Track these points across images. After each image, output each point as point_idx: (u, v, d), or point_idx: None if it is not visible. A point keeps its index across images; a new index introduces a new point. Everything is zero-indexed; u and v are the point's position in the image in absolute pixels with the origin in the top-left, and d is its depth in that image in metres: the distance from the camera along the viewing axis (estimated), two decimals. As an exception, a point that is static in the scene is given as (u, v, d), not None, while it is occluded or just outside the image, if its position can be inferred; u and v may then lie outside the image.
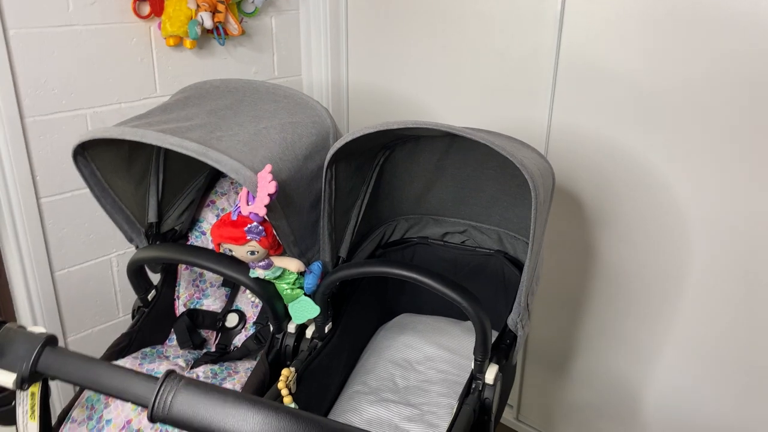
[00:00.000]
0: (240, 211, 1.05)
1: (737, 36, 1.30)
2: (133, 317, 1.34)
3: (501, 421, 2.03)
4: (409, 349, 1.45)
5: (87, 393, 1.17)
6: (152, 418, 0.60)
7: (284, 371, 1.09)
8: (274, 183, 1.01)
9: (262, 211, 1.01)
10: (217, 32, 1.74)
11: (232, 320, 1.40)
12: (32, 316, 1.63)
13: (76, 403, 1.15)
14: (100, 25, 1.60)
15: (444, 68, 1.85)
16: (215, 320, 1.41)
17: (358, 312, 1.42)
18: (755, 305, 1.42)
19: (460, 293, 1.09)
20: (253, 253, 1.08)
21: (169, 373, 0.61)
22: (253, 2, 1.85)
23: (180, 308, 1.40)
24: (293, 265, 1.15)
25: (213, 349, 1.37)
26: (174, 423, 0.59)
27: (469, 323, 1.55)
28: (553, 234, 1.75)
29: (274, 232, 1.10)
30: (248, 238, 1.05)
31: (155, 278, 1.40)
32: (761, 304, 1.41)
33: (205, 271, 1.44)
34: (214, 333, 1.41)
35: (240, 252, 1.08)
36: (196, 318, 1.40)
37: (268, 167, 1.02)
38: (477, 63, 1.76)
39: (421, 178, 1.43)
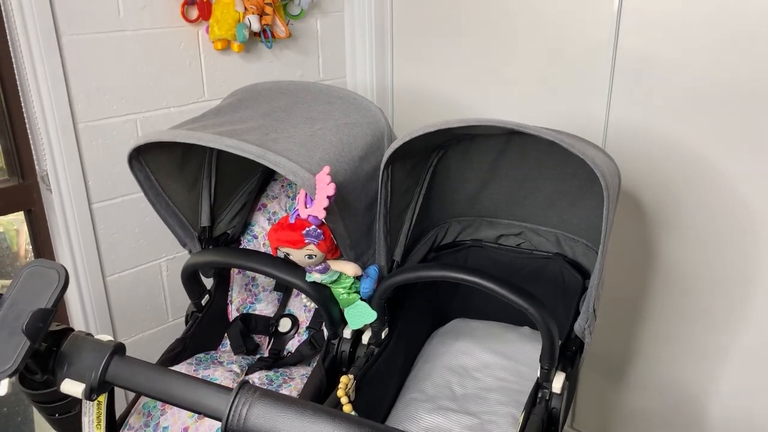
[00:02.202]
0: (298, 214, 1.03)
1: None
2: (186, 322, 1.33)
3: (555, 429, 1.97)
4: (465, 355, 1.41)
5: (143, 400, 1.15)
6: (227, 431, 0.57)
7: (343, 379, 1.06)
8: (333, 185, 0.98)
9: (321, 214, 0.98)
10: (265, 35, 1.73)
11: (285, 325, 1.37)
12: (84, 321, 1.64)
13: (132, 410, 1.14)
14: (150, 30, 1.60)
15: (492, 67, 1.81)
16: (268, 325, 1.39)
17: (412, 317, 1.38)
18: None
19: (526, 298, 1.04)
20: (311, 257, 1.06)
21: (243, 384, 0.58)
22: (299, 4, 1.83)
23: (233, 313, 1.39)
24: (350, 269, 1.12)
25: (266, 355, 1.35)
26: (251, 436, 0.57)
27: (525, 329, 1.50)
28: (612, 234, 1.68)
29: (332, 236, 1.08)
30: (306, 241, 1.03)
31: (208, 283, 1.39)
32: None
33: (257, 276, 1.42)
34: (267, 338, 1.39)
35: (298, 256, 1.06)
36: (249, 323, 1.38)
37: (326, 169, 0.99)
38: (528, 61, 1.71)
39: (475, 178, 1.39)
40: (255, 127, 1.12)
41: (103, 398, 0.71)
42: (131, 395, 1.16)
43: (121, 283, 1.70)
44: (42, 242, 1.62)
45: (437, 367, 1.38)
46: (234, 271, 1.40)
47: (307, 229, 1.02)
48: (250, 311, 1.40)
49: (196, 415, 1.14)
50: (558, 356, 1.13)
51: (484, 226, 1.48)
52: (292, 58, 1.92)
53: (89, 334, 0.67)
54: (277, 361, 1.31)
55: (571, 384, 1.20)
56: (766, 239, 1.40)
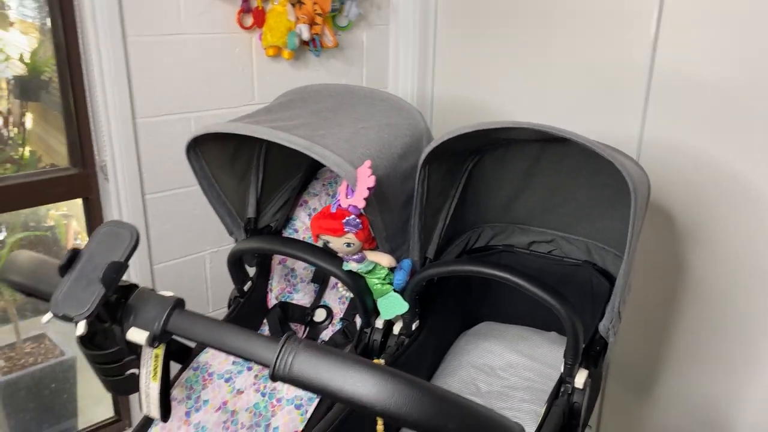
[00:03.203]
0: (339, 204, 1.10)
1: None
2: (228, 307, 1.41)
3: (579, 440, 1.98)
4: (491, 354, 1.46)
5: (186, 374, 1.23)
6: (273, 377, 0.63)
7: (375, 361, 1.12)
8: (373, 177, 1.05)
9: (361, 204, 1.05)
10: (314, 44, 1.82)
11: (320, 315, 1.44)
12: (132, 306, 1.73)
13: (176, 383, 1.21)
14: (207, 35, 1.70)
15: (531, 81, 1.87)
16: (304, 314, 1.46)
17: (443, 315, 1.43)
18: None
19: (553, 295, 1.09)
20: (349, 245, 1.13)
21: (290, 336, 0.65)
22: (347, 16, 1.92)
23: (272, 301, 1.46)
24: (385, 260, 1.18)
25: (301, 343, 1.42)
26: (294, 382, 0.63)
27: (554, 334, 1.53)
28: (642, 249, 1.71)
29: (369, 227, 1.14)
30: (346, 230, 1.10)
31: (250, 272, 1.47)
32: None
33: (296, 267, 1.50)
34: (303, 327, 1.46)
35: (337, 244, 1.13)
36: (286, 311, 1.45)
37: (368, 162, 1.06)
38: (567, 77, 1.77)
39: (510, 185, 1.44)
40: (304, 123, 1.20)
41: (160, 351, 0.79)
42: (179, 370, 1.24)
43: (168, 272, 1.79)
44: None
45: (463, 364, 1.43)
46: (275, 261, 1.48)
47: (347, 218, 1.09)
48: (288, 300, 1.47)
49: (235, 389, 1.21)
50: (582, 355, 1.17)
51: (516, 233, 1.53)
52: (338, 67, 2.01)
53: (153, 290, 0.74)
54: (311, 348, 1.37)
55: (594, 383, 1.23)
56: (796, 257, 1.42)
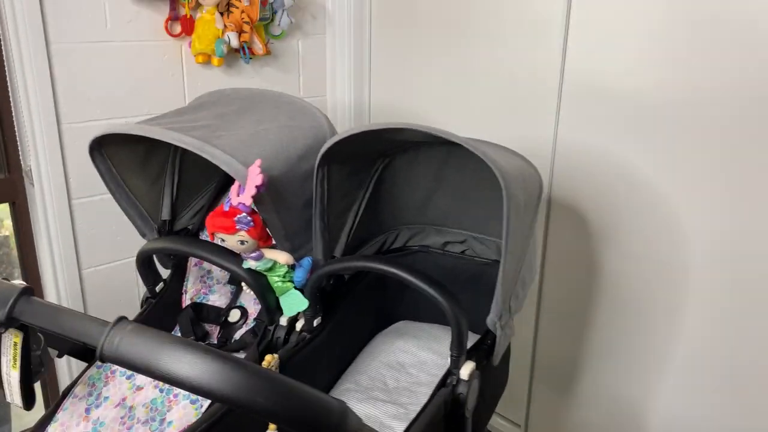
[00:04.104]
0: (231, 202, 1.13)
1: (740, 51, 1.31)
2: (141, 307, 1.43)
3: (509, 440, 2.01)
4: (403, 353, 1.48)
5: (90, 372, 1.25)
6: (101, 357, 0.66)
7: (267, 357, 1.15)
8: (261, 176, 1.08)
9: (248, 201, 1.08)
10: (243, 51, 1.86)
11: (234, 315, 1.47)
12: (59, 309, 1.75)
13: (78, 381, 1.23)
14: (135, 42, 1.74)
15: (459, 89, 1.92)
16: (219, 315, 1.48)
17: (354, 314, 1.46)
18: (759, 320, 1.39)
19: (437, 288, 1.12)
20: (243, 242, 1.16)
21: (120, 319, 0.68)
22: (279, 25, 1.96)
23: (187, 302, 1.48)
24: (282, 257, 1.21)
25: (215, 342, 1.44)
26: (120, 361, 0.66)
27: (468, 333, 1.56)
28: (559, 250, 1.76)
29: (264, 224, 1.17)
30: (238, 227, 1.13)
31: (165, 273, 1.49)
32: (765, 319, 1.39)
33: (213, 269, 1.52)
34: (218, 327, 1.48)
35: (231, 241, 1.16)
36: (201, 312, 1.47)
37: (258, 161, 1.10)
38: (488, 83, 1.82)
39: (422, 187, 1.48)
40: (205, 125, 1.24)
41: (18, 339, 0.81)
42: (79, 370, 1.26)
43: (97, 276, 1.81)
44: (24, 233, 1.74)
45: (375, 362, 1.46)
46: (191, 263, 1.51)
47: (238, 216, 1.12)
48: (204, 301, 1.50)
49: (135, 386, 1.23)
50: (473, 349, 1.21)
51: (432, 234, 1.56)
52: (272, 75, 2.05)
53: (5, 279, 0.77)
54: (222, 347, 1.40)
55: (490, 378, 1.27)
56: (697, 255, 1.46)
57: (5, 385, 0.83)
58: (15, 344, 0.80)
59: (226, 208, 1.14)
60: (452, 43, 1.89)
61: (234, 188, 1.13)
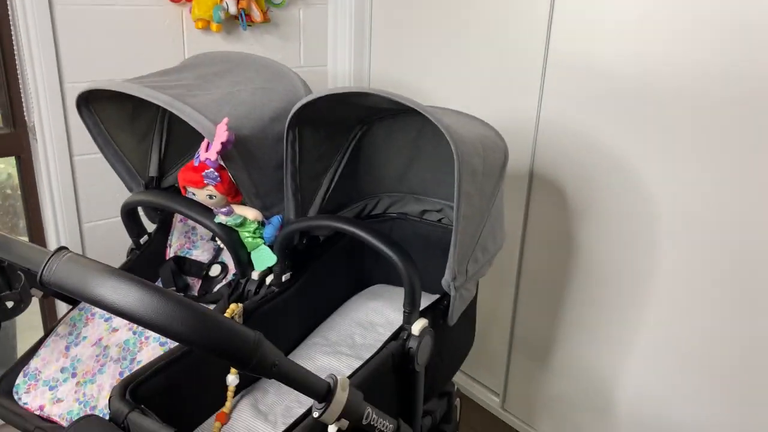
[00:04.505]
0: (200, 158, 1.19)
1: (721, 31, 1.31)
2: (126, 257, 1.51)
3: (487, 408, 2.07)
4: (374, 312, 1.54)
5: (72, 313, 1.34)
6: (41, 281, 0.73)
7: (232, 306, 1.21)
8: (227, 133, 1.14)
9: (213, 157, 1.14)
10: (240, 18, 1.91)
11: (215, 270, 1.54)
12: (59, 259, 1.85)
13: (61, 321, 1.32)
14: (138, 6, 1.81)
15: (454, 62, 1.94)
16: (200, 269, 1.56)
17: (327, 274, 1.52)
18: (726, 300, 1.41)
19: (393, 249, 1.17)
20: (211, 197, 1.22)
21: (61, 248, 0.75)
22: (279, -7, 2.01)
23: (170, 255, 1.56)
24: (251, 213, 1.28)
25: (195, 294, 1.52)
26: (58, 286, 0.73)
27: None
28: (540, 224, 1.79)
29: (232, 180, 1.24)
30: (205, 182, 1.19)
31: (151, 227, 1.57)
32: (731, 300, 1.40)
33: (197, 225, 1.59)
34: (199, 281, 1.56)
35: (200, 195, 1.22)
36: (183, 265, 1.55)
37: (225, 120, 1.16)
38: (480, 57, 1.84)
39: (402, 155, 1.52)
40: (183, 84, 1.30)
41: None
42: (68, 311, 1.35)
43: (97, 231, 1.91)
44: (29, 186, 1.84)
45: (346, 321, 1.52)
46: (176, 219, 1.58)
47: (206, 171, 1.18)
48: (187, 256, 1.58)
49: (112, 327, 1.32)
50: (430, 308, 1.26)
51: (411, 202, 1.61)
52: (272, 43, 2.10)
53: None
54: (200, 299, 1.47)
55: (449, 338, 1.32)
56: (670, 234, 1.48)
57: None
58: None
59: (196, 164, 1.20)
60: (449, 16, 1.91)
61: (203, 144, 1.20)
